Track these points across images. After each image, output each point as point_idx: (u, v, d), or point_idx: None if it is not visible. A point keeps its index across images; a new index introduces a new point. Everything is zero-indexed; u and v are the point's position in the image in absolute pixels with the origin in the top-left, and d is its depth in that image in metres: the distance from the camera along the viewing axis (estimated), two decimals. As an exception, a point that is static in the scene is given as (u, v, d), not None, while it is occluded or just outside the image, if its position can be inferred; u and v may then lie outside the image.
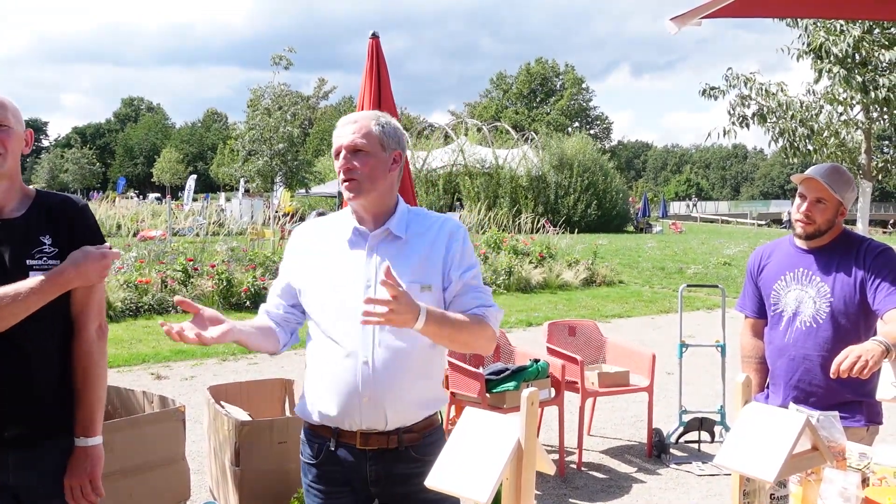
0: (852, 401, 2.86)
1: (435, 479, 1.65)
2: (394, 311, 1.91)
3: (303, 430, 2.36)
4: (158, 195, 51.06)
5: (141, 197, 44.88)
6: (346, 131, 2.21)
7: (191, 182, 32.07)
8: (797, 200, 2.96)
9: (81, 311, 2.28)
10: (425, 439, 2.26)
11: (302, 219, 27.70)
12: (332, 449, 2.24)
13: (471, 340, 2.21)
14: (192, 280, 11.45)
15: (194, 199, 32.57)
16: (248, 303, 11.26)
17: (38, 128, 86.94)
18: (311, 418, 2.28)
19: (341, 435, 2.22)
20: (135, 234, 16.03)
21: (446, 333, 2.11)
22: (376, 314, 1.91)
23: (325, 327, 2.24)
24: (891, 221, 47.92)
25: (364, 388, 2.15)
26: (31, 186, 2.33)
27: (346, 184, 2.19)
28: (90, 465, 2.27)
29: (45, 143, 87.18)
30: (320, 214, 24.60)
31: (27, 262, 2.17)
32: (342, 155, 2.21)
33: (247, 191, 31.63)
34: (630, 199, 40.41)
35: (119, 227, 17.83)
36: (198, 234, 16.51)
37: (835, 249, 2.93)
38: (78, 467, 2.26)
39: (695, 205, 64.69)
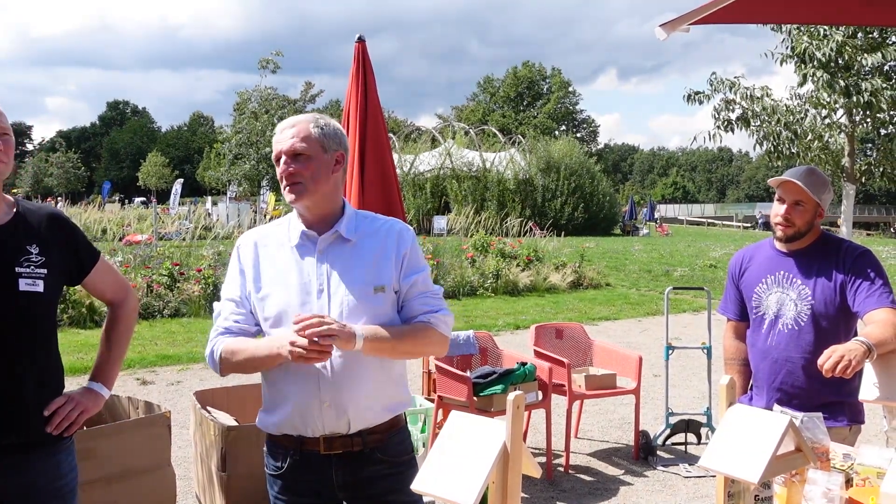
0: (835, 401, 2.89)
1: (420, 483, 1.65)
2: (336, 339, 2.00)
3: (265, 443, 2.33)
4: (144, 199, 50.75)
5: (127, 201, 44.61)
6: (284, 136, 2.20)
7: (177, 186, 31.90)
8: (775, 204, 2.99)
9: (103, 296, 2.50)
10: (390, 440, 2.26)
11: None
12: (297, 458, 2.22)
13: (415, 350, 2.27)
14: (178, 284, 11.40)
15: (181, 204, 32.41)
16: (234, 307, 11.22)
17: (22, 131, 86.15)
18: (272, 429, 2.26)
19: (304, 443, 2.20)
20: (120, 239, 15.92)
21: (388, 347, 2.14)
22: (307, 349, 1.97)
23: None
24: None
25: (324, 393, 2.14)
26: (14, 191, 2.33)
27: (289, 188, 2.18)
28: (90, 405, 2.33)
29: (30, 146, 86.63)
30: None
31: (16, 269, 2.17)
32: (282, 160, 2.19)
33: (234, 195, 31.52)
34: (624, 208, 40.62)
35: (105, 231, 17.69)
36: (184, 239, 16.42)
37: (815, 252, 2.97)
38: (83, 395, 2.33)
39: (658, 214, 63.49)
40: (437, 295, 2.28)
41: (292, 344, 1.98)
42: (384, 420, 2.24)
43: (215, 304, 2.33)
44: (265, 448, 2.33)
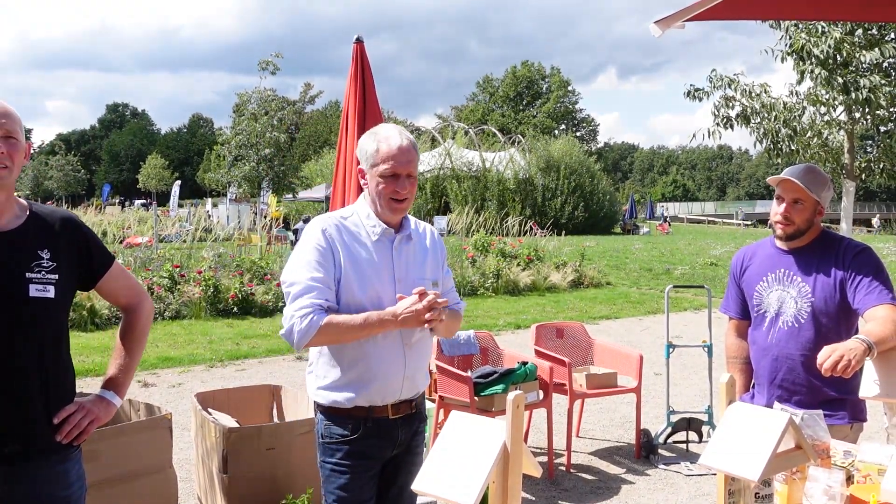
0: (836, 399, 2.89)
1: (421, 483, 1.65)
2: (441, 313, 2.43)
3: (324, 415, 2.56)
4: (144, 201, 50.74)
5: (128, 203, 44.57)
6: (406, 157, 2.48)
7: (175, 188, 31.92)
8: (775, 203, 2.99)
9: (117, 301, 2.51)
10: (422, 400, 2.72)
11: (287, 224, 27.63)
12: (369, 425, 2.51)
13: (455, 329, 2.79)
14: (178, 286, 11.39)
15: (180, 206, 32.40)
16: (235, 309, 11.22)
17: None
18: (346, 403, 2.50)
19: (374, 411, 2.51)
20: (121, 242, 15.92)
21: (449, 325, 2.63)
22: (434, 316, 2.41)
23: None
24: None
25: (408, 367, 2.54)
26: (16, 195, 2.31)
27: (400, 203, 2.51)
28: (101, 414, 2.33)
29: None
30: (307, 221, 24.43)
31: (27, 275, 2.15)
32: (402, 179, 2.49)
33: (234, 197, 31.51)
34: (624, 207, 40.68)
35: (105, 234, 17.68)
36: (184, 241, 16.42)
37: (815, 250, 2.96)
38: (94, 404, 2.32)
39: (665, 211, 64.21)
40: (455, 289, 2.80)
41: (420, 312, 2.38)
42: (425, 387, 2.71)
43: (290, 277, 2.47)
44: (324, 419, 2.55)
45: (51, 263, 2.19)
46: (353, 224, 2.55)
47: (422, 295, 2.40)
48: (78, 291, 2.41)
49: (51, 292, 2.17)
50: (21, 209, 2.24)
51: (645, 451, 5.48)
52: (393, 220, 2.55)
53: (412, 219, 2.67)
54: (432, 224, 24.07)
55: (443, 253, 2.72)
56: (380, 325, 2.42)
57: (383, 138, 2.50)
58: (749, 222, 52.58)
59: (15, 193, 2.31)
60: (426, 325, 2.44)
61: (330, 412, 2.54)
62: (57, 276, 2.19)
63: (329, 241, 2.48)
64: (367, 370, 2.48)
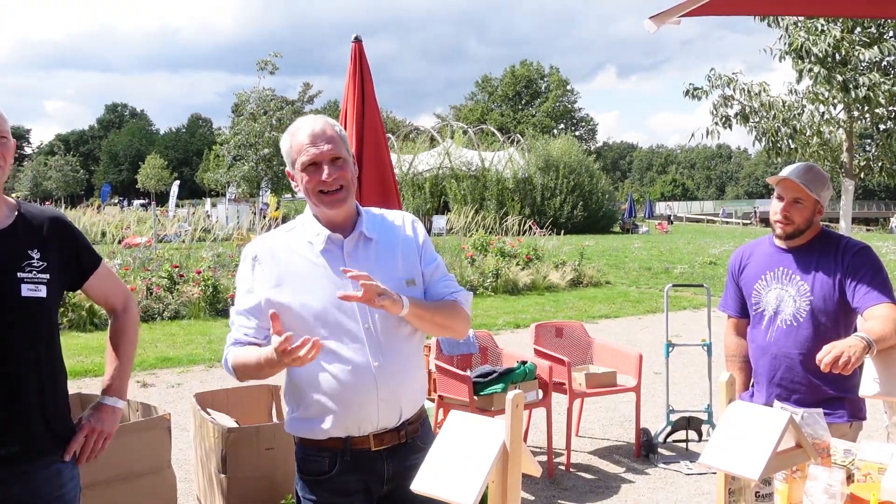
0: (834, 397, 2.88)
1: (420, 483, 1.65)
2: (386, 297, 2.05)
3: (300, 450, 2.29)
4: (143, 201, 50.73)
5: (128, 203, 44.55)
6: (317, 142, 2.16)
7: (174, 188, 31.89)
8: (774, 202, 2.99)
9: (104, 301, 2.46)
10: (422, 426, 2.33)
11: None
12: (347, 459, 2.20)
13: (447, 323, 2.29)
14: (177, 287, 11.38)
15: (180, 206, 32.37)
16: (234, 309, 11.20)
17: (20, 135, 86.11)
18: (319, 434, 2.20)
19: (353, 442, 2.20)
20: (119, 242, 15.91)
21: (428, 317, 2.21)
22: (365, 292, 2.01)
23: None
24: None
25: (381, 389, 2.16)
26: (13, 195, 2.31)
27: (332, 194, 2.16)
28: (109, 428, 2.36)
29: (28, 150, 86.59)
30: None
31: (18, 275, 2.14)
32: (324, 166, 2.15)
33: (233, 197, 31.52)
34: (623, 206, 40.72)
35: (104, 234, 17.67)
36: (183, 241, 16.42)
37: (814, 248, 2.96)
38: (101, 419, 2.34)
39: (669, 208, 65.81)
40: (452, 278, 2.36)
41: (289, 352, 1.94)
42: (419, 408, 2.32)
43: (231, 309, 2.32)
44: (299, 454, 2.28)
45: (41, 263, 2.19)
46: (293, 238, 2.25)
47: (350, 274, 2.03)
48: (72, 292, 2.41)
49: (42, 292, 2.17)
50: (10, 209, 2.23)
51: (645, 450, 5.48)
52: (335, 217, 2.21)
53: (372, 213, 2.33)
54: (430, 224, 24.02)
55: (419, 243, 2.31)
56: (268, 365, 2.06)
57: (294, 131, 2.22)
58: (748, 221, 52.72)
59: (15, 194, 2.30)
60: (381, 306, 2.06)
61: (304, 444, 2.26)
62: (48, 276, 2.18)
63: (252, 268, 2.22)
64: (334, 397, 2.16)
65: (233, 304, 2.32)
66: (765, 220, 47.49)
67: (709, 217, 59.22)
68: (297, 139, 2.19)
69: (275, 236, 2.30)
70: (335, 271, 2.17)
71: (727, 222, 53.69)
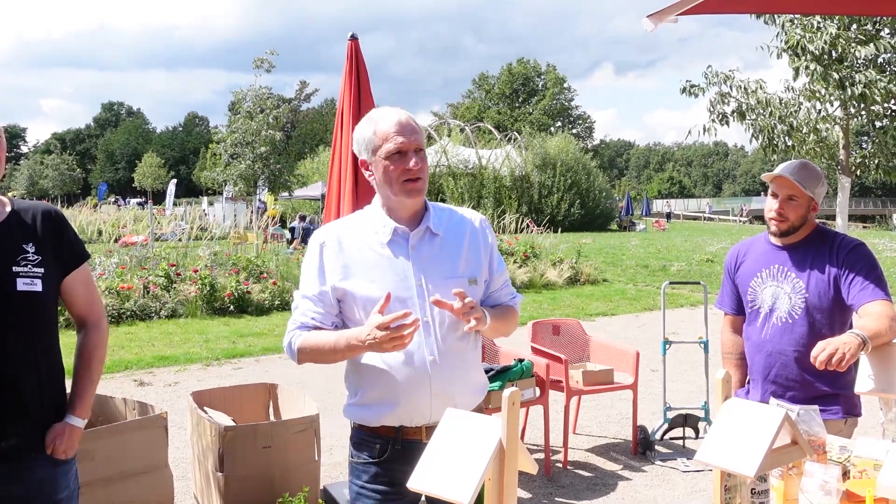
0: (829, 394, 2.89)
1: (417, 481, 1.65)
2: (476, 311, 2.12)
3: (354, 434, 2.34)
4: (140, 200, 50.69)
5: (124, 202, 44.49)
6: (406, 131, 2.19)
7: (171, 187, 31.84)
8: (769, 199, 3.00)
9: (76, 307, 2.37)
10: None
11: (283, 222, 27.58)
12: (398, 448, 2.23)
13: (505, 329, 2.40)
14: (174, 285, 11.37)
15: (177, 204, 32.33)
16: (231, 307, 11.20)
17: (16, 134, 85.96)
18: (371, 421, 2.25)
19: (405, 432, 2.23)
20: (116, 240, 15.90)
21: (497, 327, 2.30)
22: (472, 321, 2.11)
23: None
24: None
25: (435, 383, 2.19)
26: (9, 194, 2.31)
27: (415, 183, 2.19)
28: (73, 441, 2.28)
29: (25, 149, 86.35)
30: (303, 219, 24.34)
31: (13, 269, 2.14)
32: (410, 154, 2.18)
33: (230, 195, 31.46)
34: (620, 204, 40.74)
35: (101, 233, 17.65)
36: (180, 239, 16.40)
37: (809, 245, 2.97)
38: (59, 440, 2.25)
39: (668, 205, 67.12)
40: (510, 280, 2.45)
41: (382, 340, 2.01)
42: (476, 404, 2.32)
43: (295, 292, 2.34)
44: (353, 438, 2.33)
45: (36, 257, 2.19)
46: (360, 228, 2.27)
47: (404, 315, 2.03)
48: None
49: (38, 286, 2.17)
50: (2, 206, 2.25)
51: (642, 448, 5.49)
52: (412, 207, 2.24)
53: (440, 207, 2.35)
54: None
55: (488, 242, 2.34)
56: (349, 349, 2.12)
57: (378, 118, 2.23)
58: (745, 218, 52.86)
59: (11, 193, 2.30)
60: (471, 329, 2.13)
61: (360, 429, 2.31)
62: (43, 270, 2.19)
63: (321, 252, 2.25)
64: (388, 387, 2.20)
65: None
66: (759, 218, 47.69)
67: (706, 215, 59.57)
68: (381, 127, 2.20)
69: (343, 223, 2.34)
70: (399, 263, 2.21)
71: (710, 218, 56.33)
